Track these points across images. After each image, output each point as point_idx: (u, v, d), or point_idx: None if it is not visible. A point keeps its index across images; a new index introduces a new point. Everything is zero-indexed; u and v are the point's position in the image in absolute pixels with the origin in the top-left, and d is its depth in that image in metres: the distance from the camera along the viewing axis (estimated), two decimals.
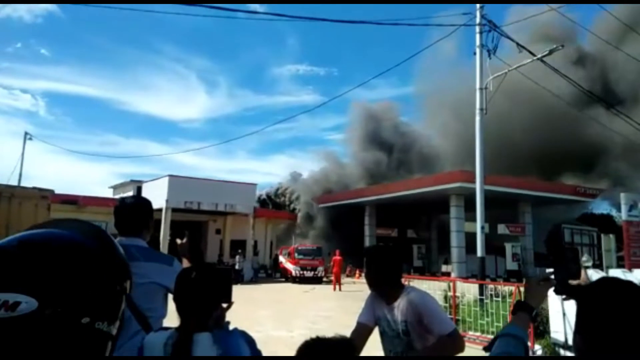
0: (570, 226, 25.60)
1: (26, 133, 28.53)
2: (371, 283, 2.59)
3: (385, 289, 2.55)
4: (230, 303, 1.90)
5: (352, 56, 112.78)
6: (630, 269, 11.40)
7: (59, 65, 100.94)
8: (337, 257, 22.35)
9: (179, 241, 2.76)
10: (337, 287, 20.68)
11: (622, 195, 20.19)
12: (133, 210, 2.46)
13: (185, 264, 2.51)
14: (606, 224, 34.72)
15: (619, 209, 20.95)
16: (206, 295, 1.77)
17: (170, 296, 2.00)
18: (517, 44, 9.88)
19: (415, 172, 38.82)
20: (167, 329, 1.80)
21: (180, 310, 1.78)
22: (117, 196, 32.46)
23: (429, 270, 29.70)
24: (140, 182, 30.15)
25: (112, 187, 35.58)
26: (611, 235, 19.42)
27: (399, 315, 2.47)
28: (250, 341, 1.73)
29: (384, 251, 2.67)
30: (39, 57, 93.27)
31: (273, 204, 48.07)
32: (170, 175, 25.56)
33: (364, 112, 49.67)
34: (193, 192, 25.31)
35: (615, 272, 8.26)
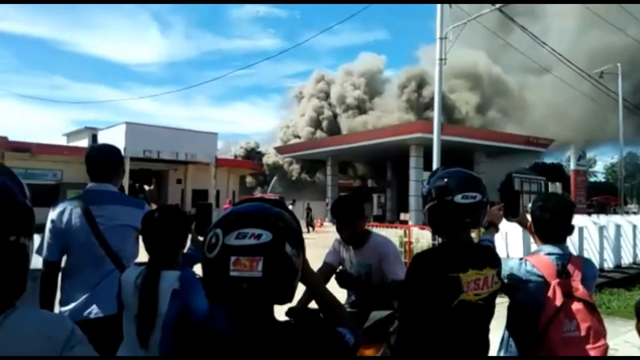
0: (520, 175, 26.87)
1: None
2: (340, 230, 2.75)
3: (352, 235, 2.73)
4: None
5: None
6: None
7: None
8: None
9: (146, 187, 2.88)
10: None
11: (572, 145, 21.18)
12: (103, 157, 2.54)
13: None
14: (555, 173, 36.60)
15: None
16: (168, 235, 1.89)
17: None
18: None
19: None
20: (141, 264, 1.95)
21: (147, 248, 1.92)
22: (71, 144, 31.28)
23: (388, 219, 30.70)
24: (96, 129, 29.12)
25: (66, 134, 34.20)
26: (557, 184, 20.57)
27: (364, 259, 2.71)
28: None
29: (348, 202, 2.80)
30: None
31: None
32: (127, 123, 24.64)
33: None
34: (152, 140, 24.62)
35: None
